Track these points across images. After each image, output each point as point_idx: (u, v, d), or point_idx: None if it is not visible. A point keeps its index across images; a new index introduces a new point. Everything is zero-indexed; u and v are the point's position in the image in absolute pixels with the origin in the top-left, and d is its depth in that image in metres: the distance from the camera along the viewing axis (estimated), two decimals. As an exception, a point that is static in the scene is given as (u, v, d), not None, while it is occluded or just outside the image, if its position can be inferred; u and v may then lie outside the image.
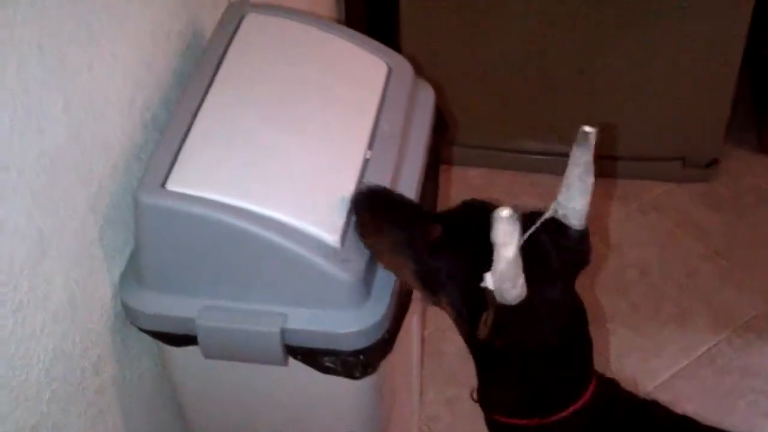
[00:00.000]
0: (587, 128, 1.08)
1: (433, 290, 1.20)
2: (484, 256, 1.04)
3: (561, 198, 1.13)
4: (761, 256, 2.49)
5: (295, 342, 1.27)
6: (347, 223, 1.26)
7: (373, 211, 1.24)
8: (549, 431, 1.21)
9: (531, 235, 1.10)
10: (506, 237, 1.00)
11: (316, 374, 1.30)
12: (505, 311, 1.07)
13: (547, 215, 1.13)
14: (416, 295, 1.44)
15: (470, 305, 1.15)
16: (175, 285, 1.28)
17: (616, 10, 2.37)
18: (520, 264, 1.03)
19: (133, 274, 1.32)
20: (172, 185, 1.24)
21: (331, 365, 1.28)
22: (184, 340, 1.31)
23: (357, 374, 1.28)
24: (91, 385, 1.32)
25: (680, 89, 2.50)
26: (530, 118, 2.60)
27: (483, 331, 1.11)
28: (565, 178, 1.12)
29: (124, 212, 1.34)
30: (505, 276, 1.03)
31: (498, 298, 1.06)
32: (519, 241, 1.01)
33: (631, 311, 2.36)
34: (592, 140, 1.08)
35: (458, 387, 2.20)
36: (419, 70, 1.55)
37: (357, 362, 1.27)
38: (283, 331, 1.25)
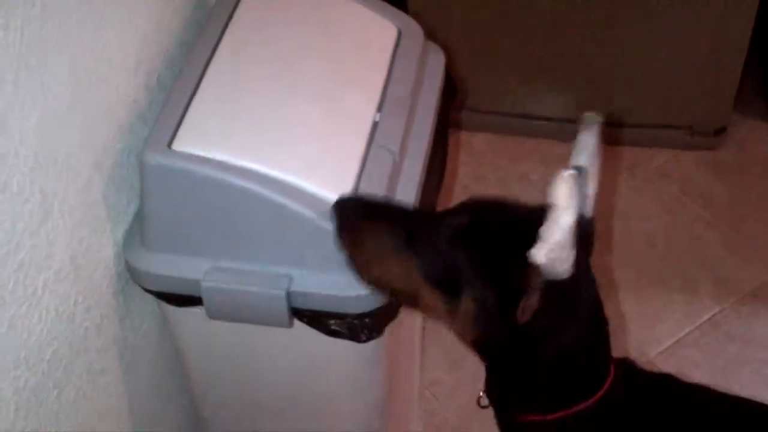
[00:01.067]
0: (591, 115, 1.06)
1: (451, 289, 1.13)
2: (518, 244, 1.03)
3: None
4: (767, 224, 2.48)
5: (300, 304, 1.26)
6: (356, 185, 1.24)
7: (360, 218, 1.18)
8: (570, 424, 1.19)
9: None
10: (569, 199, 0.97)
11: (321, 337, 1.29)
12: (551, 289, 1.05)
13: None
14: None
15: (505, 296, 1.09)
16: (180, 246, 1.28)
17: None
18: (574, 231, 1.00)
19: (137, 234, 1.31)
20: (178, 146, 1.23)
21: (337, 328, 1.27)
22: (189, 300, 1.30)
23: (363, 337, 1.28)
24: (93, 345, 1.31)
25: (689, 56, 2.48)
26: (537, 83, 2.57)
27: (524, 315, 1.07)
28: (571, 163, 1.09)
29: (129, 172, 1.33)
30: (560, 245, 1.00)
31: (547, 273, 1.03)
32: (577, 205, 0.99)
33: (636, 277, 2.35)
34: (597, 128, 1.06)
35: (459, 351, 2.17)
36: (429, 33, 1.53)
37: (363, 325, 1.27)
38: (288, 293, 1.25)
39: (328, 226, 1.20)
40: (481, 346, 1.19)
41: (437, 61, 1.54)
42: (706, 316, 2.26)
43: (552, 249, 1.01)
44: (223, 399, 1.53)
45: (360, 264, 1.19)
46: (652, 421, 1.23)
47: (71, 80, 1.15)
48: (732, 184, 2.59)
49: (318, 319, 1.27)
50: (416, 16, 1.54)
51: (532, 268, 1.03)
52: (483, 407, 1.29)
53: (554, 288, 1.05)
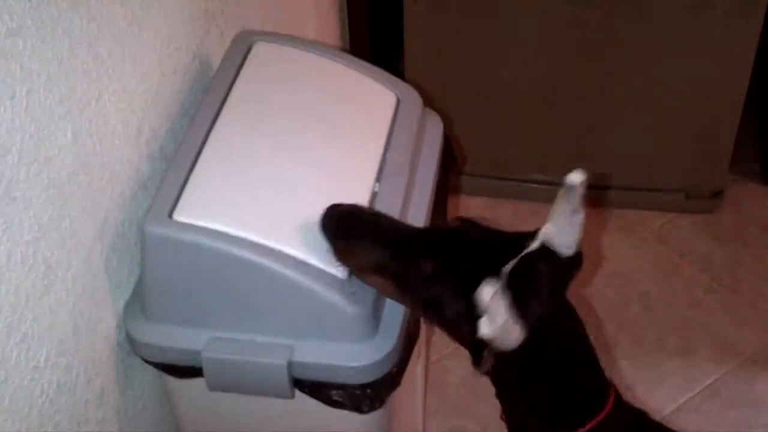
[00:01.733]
0: (574, 179, 1.04)
1: (427, 317, 1.18)
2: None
3: (550, 230, 1.09)
4: (766, 287, 2.48)
5: (301, 375, 1.26)
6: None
7: (347, 232, 1.20)
8: None
9: (520, 260, 1.08)
10: (495, 309, 1.03)
11: (322, 407, 1.28)
12: (504, 353, 1.06)
13: (533, 247, 1.09)
14: (423, 326, 1.43)
15: (469, 338, 1.10)
16: (181, 316, 1.27)
17: (621, 42, 2.37)
18: (515, 320, 1.03)
19: (137, 304, 1.31)
20: (178, 216, 1.23)
21: (339, 399, 1.26)
22: (189, 372, 1.29)
23: (365, 408, 1.27)
24: (93, 417, 1.30)
25: (684, 120, 2.49)
26: (534, 147, 2.59)
27: (485, 369, 1.09)
28: (552, 214, 1.09)
29: (130, 242, 1.33)
30: (503, 332, 1.03)
31: (497, 345, 1.05)
32: (508, 305, 1.02)
33: (634, 343, 2.34)
34: (580, 191, 1.05)
35: (461, 418, 2.18)
36: (428, 100, 1.55)
37: (365, 396, 1.26)
38: (290, 364, 1.24)
39: (330, 297, 1.20)
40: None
41: (435, 128, 1.55)
42: (707, 382, 2.25)
43: (496, 331, 1.04)
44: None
45: (351, 270, 1.22)
46: None
47: (75, 149, 1.16)
48: (730, 246, 2.59)
49: (319, 389, 1.26)
50: (413, 83, 1.56)
51: (485, 341, 1.06)
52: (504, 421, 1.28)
53: (506, 353, 1.06)
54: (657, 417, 2.09)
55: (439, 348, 2.30)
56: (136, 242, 1.33)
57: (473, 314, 1.08)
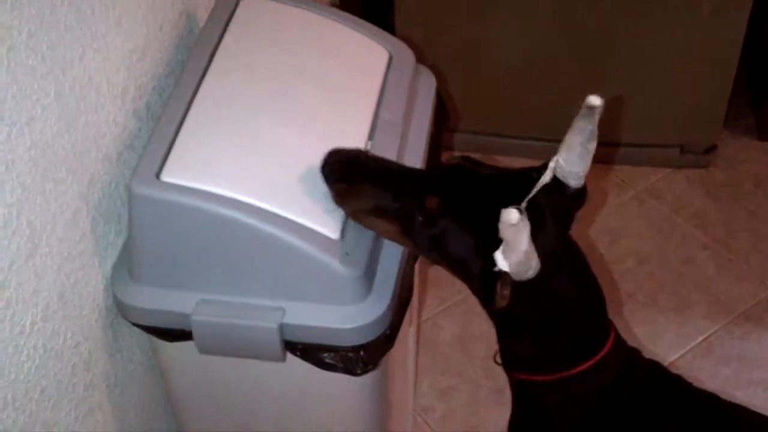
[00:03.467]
0: (593, 101, 1.04)
1: (434, 257, 1.16)
2: (490, 222, 1.02)
3: (561, 160, 1.10)
4: (759, 243, 2.47)
5: (293, 337, 1.24)
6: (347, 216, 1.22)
7: (348, 176, 1.18)
8: (570, 385, 1.21)
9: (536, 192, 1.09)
10: (517, 236, 0.99)
11: (315, 370, 1.26)
12: (520, 285, 1.06)
13: (546, 179, 1.10)
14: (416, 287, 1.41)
15: (482, 272, 1.10)
16: (170, 279, 1.25)
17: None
18: (533, 249, 1.03)
19: (125, 267, 1.28)
20: (166, 176, 1.20)
21: (331, 361, 1.25)
22: (179, 335, 1.27)
23: (358, 371, 1.25)
24: (81, 382, 1.28)
25: (679, 75, 2.47)
26: (527, 104, 2.56)
27: (500, 303, 1.08)
28: (565, 143, 1.09)
29: (116, 203, 1.30)
30: (520, 262, 1.03)
31: (514, 277, 1.05)
32: (528, 233, 1.00)
33: (627, 299, 2.33)
34: (598, 112, 1.05)
35: (452, 377, 2.17)
36: (419, 56, 1.51)
37: (358, 358, 1.24)
38: (281, 326, 1.22)
39: (321, 257, 1.18)
40: (475, 295, 1.19)
41: (428, 84, 1.53)
42: (700, 338, 2.24)
43: (513, 264, 1.03)
44: (215, 433, 1.51)
45: (350, 214, 1.20)
46: (641, 408, 1.23)
47: (58, 109, 1.13)
48: (723, 202, 2.58)
49: (311, 352, 1.24)
50: (404, 39, 1.52)
51: (501, 273, 1.05)
52: (498, 364, 1.30)
53: (522, 285, 1.07)
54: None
55: (431, 307, 2.29)
56: (123, 203, 1.30)
57: (483, 248, 1.08)
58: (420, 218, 1.14)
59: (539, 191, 1.09)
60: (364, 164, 1.20)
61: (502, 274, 1.05)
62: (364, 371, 1.25)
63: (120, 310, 1.29)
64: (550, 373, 1.21)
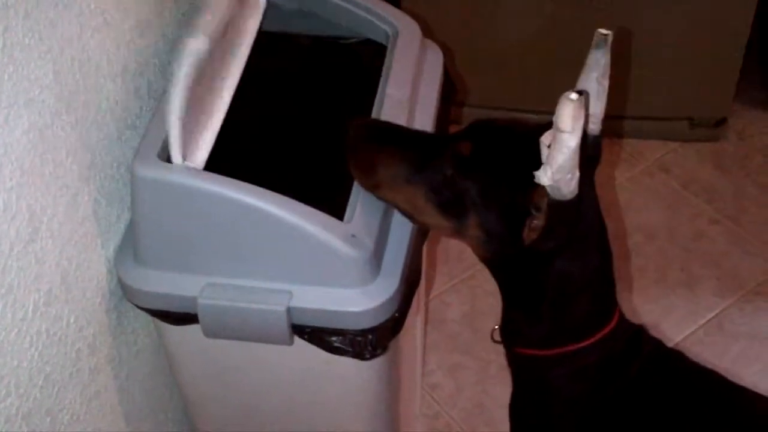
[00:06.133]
0: (604, 31, 1.06)
1: (459, 214, 1.15)
2: (522, 167, 1.04)
3: None
4: (770, 217, 2.44)
5: (301, 320, 1.21)
6: (355, 198, 1.19)
7: (372, 145, 1.18)
8: (576, 360, 1.20)
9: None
10: (574, 122, 0.96)
11: (323, 354, 1.24)
12: (557, 209, 1.04)
13: None
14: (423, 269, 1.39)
15: (511, 218, 1.10)
16: (175, 262, 1.22)
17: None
18: (578, 154, 1.00)
19: (130, 250, 1.26)
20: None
21: (340, 345, 1.22)
22: (185, 318, 1.25)
23: (366, 355, 1.23)
24: (86, 366, 1.26)
25: (689, 47, 2.44)
26: (535, 79, 2.53)
27: (531, 235, 1.08)
28: (580, 83, 1.10)
29: (119, 185, 1.28)
30: (565, 167, 1.00)
31: (553, 193, 1.03)
32: (582, 128, 0.98)
33: (637, 275, 2.31)
34: (610, 42, 1.06)
35: (460, 354, 2.15)
36: (426, 31, 1.48)
37: (366, 342, 1.22)
38: (289, 309, 1.20)
39: (330, 241, 1.15)
40: (491, 265, 1.20)
41: (435, 59, 1.50)
42: (710, 314, 2.22)
43: (557, 171, 1.00)
44: (222, 417, 1.48)
45: (368, 185, 1.19)
46: (646, 384, 1.23)
47: (57, 89, 1.10)
48: (734, 176, 2.55)
49: (319, 335, 1.22)
50: (411, 13, 1.49)
51: (537, 189, 1.03)
52: (495, 341, 1.30)
53: (559, 208, 1.05)
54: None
55: (439, 284, 2.27)
56: (126, 185, 1.28)
57: (515, 191, 1.08)
58: (450, 170, 1.13)
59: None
60: (387, 130, 1.20)
61: (539, 192, 1.03)
62: (373, 355, 1.23)
63: (125, 293, 1.27)
64: (558, 347, 1.20)
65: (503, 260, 1.18)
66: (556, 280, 1.15)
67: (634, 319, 2.09)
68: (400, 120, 1.30)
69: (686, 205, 2.48)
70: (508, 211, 1.11)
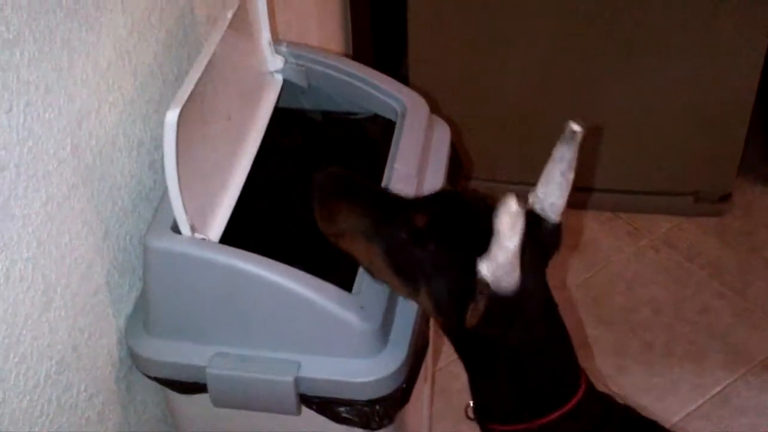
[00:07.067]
0: (575, 126, 1.09)
1: (412, 280, 1.15)
2: (473, 246, 1.05)
3: (540, 193, 1.14)
4: (776, 292, 2.45)
5: (309, 391, 1.23)
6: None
7: (337, 195, 1.18)
8: None
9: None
10: (512, 228, 0.99)
11: (330, 424, 1.25)
12: (497, 300, 1.06)
13: (527, 207, 1.12)
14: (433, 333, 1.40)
15: (457, 296, 1.11)
16: (185, 331, 1.24)
17: (626, 43, 2.34)
18: (518, 256, 1.03)
19: (140, 319, 1.28)
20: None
21: (347, 415, 1.23)
22: (193, 388, 1.26)
23: (374, 425, 1.24)
24: (95, 435, 1.27)
25: (693, 123, 2.46)
26: (541, 152, 2.55)
27: (471, 320, 1.08)
28: (545, 175, 1.13)
29: (131, 256, 1.30)
30: (504, 267, 1.03)
31: (493, 287, 1.04)
32: (521, 231, 1.00)
33: (643, 349, 2.31)
34: (579, 138, 1.09)
35: (467, 425, 2.14)
36: (433, 106, 1.51)
37: (373, 412, 1.23)
38: (296, 380, 1.21)
39: (339, 312, 1.17)
40: (446, 334, 1.20)
41: (443, 134, 1.52)
42: (717, 388, 2.21)
43: (497, 268, 1.03)
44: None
45: (330, 233, 1.19)
46: None
47: (74, 162, 1.13)
48: (739, 250, 2.56)
49: (327, 406, 1.23)
50: (418, 89, 1.53)
51: (479, 279, 1.04)
52: (470, 419, 1.31)
53: (499, 300, 1.06)
54: (667, 424, 2.07)
55: (445, 355, 2.27)
56: (138, 256, 1.30)
57: (466, 268, 1.07)
58: (405, 237, 1.14)
59: (528, 216, 1.08)
60: (354, 184, 1.20)
61: (481, 282, 1.04)
62: (380, 426, 1.24)
63: (135, 362, 1.29)
64: (525, 421, 1.20)
65: (455, 332, 1.18)
66: (504, 357, 1.16)
67: (641, 393, 2.10)
68: (408, 194, 1.32)
69: (692, 279, 2.49)
70: (456, 289, 1.11)
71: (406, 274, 1.15)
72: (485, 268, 1.03)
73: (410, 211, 1.16)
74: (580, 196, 2.53)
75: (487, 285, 1.04)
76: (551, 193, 1.13)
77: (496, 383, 1.20)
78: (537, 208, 1.15)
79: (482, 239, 1.04)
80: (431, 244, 1.13)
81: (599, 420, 1.21)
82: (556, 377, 1.20)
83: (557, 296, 1.19)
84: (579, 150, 1.11)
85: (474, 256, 1.04)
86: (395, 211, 1.17)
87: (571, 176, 1.12)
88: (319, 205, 1.18)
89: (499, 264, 1.02)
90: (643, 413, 1.29)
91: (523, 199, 1.07)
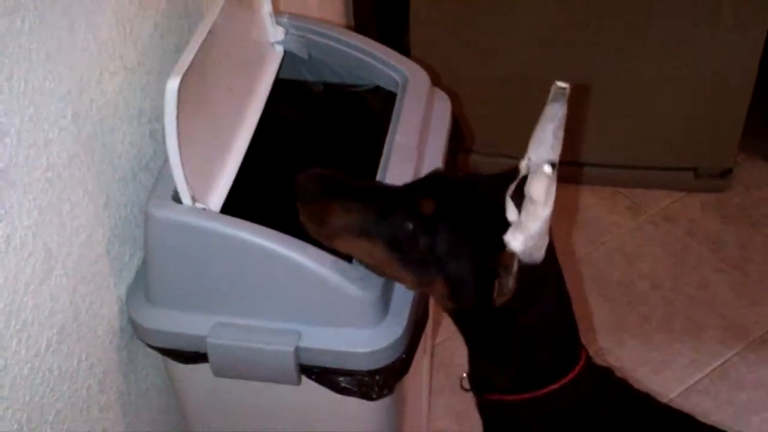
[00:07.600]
0: (562, 84, 1.09)
1: (423, 269, 1.13)
2: (487, 224, 1.06)
3: (532, 155, 1.11)
4: (775, 267, 2.45)
5: (309, 361, 1.23)
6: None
7: (325, 193, 1.14)
8: (547, 404, 1.20)
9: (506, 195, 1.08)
10: (547, 194, 0.99)
11: (330, 394, 1.25)
12: (527, 273, 1.06)
13: (522, 174, 1.10)
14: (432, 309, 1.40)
15: (480, 277, 1.10)
16: (186, 301, 1.24)
17: (628, 19, 2.34)
18: (549, 222, 1.03)
19: (141, 289, 1.28)
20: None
21: (347, 385, 1.24)
22: (194, 357, 1.26)
23: (373, 395, 1.24)
24: (95, 403, 1.28)
25: (694, 98, 2.46)
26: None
27: (501, 298, 1.07)
28: (536, 134, 1.11)
29: (132, 225, 1.30)
30: (536, 237, 1.03)
31: (524, 258, 1.04)
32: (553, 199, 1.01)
33: (642, 323, 2.32)
34: (567, 95, 1.09)
35: (467, 399, 2.15)
36: (435, 78, 1.51)
37: (373, 383, 1.23)
38: (297, 350, 1.21)
39: (338, 281, 1.17)
40: (455, 316, 1.21)
41: (444, 106, 1.52)
42: (715, 363, 2.22)
43: (529, 238, 1.03)
44: (229, 456, 1.50)
45: (322, 236, 1.16)
46: (615, 426, 1.24)
47: (75, 131, 1.13)
48: (739, 226, 2.57)
49: (327, 376, 1.24)
50: (419, 61, 1.52)
51: (506, 252, 1.04)
52: (465, 390, 1.32)
53: (530, 272, 1.07)
54: (665, 399, 2.09)
55: (445, 327, 2.28)
56: (139, 225, 1.30)
57: (482, 248, 1.08)
58: (411, 227, 1.11)
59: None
60: (341, 181, 1.16)
61: (509, 256, 1.04)
62: (380, 396, 1.25)
63: (135, 331, 1.29)
64: (527, 391, 1.21)
65: (467, 313, 1.18)
66: (521, 332, 1.16)
67: (639, 367, 2.11)
68: (409, 167, 1.32)
69: (691, 254, 2.50)
70: (476, 271, 1.10)
71: (415, 265, 1.13)
72: (516, 241, 1.03)
73: (413, 199, 1.13)
74: (580, 170, 2.53)
75: (516, 258, 1.04)
76: (544, 155, 1.10)
77: (504, 357, 1.20)
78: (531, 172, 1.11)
79: (493, 219, 1.04)
80: (443, 230, 1.11)
81: (596, 391, 1.22)
82: (560, 351, 1.21)
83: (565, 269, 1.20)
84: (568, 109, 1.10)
85: (490, 233, 1.04)
86: (392, 202, 1.13)
87: (561, 134, 1.10)
88: (305, 208, 1.14)
89: (531, 234, 1.02)
90: (640, 387, 1.30)
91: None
